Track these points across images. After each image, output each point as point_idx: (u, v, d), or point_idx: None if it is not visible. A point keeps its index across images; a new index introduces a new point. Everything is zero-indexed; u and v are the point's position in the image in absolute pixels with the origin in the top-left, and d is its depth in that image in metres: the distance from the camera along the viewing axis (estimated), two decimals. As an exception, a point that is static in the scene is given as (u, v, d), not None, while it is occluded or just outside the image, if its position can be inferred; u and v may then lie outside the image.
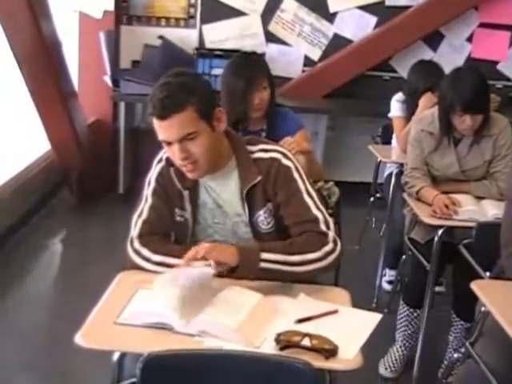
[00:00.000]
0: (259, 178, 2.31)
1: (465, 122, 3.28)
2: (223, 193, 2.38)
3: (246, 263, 2.15)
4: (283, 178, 2.32)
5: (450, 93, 3.27)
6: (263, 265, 2.16)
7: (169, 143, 2.21)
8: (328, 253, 2.24)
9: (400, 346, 3.54)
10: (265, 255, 2.17)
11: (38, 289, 4.43)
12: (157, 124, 2.19)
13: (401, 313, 3.52)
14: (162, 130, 2.18)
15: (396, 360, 3.50)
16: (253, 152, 2.36)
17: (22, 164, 5.35)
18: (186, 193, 2.36)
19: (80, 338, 1.87)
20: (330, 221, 2.33)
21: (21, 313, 3.97)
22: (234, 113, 2.92)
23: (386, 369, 3.48)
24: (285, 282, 2.23)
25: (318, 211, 2.31)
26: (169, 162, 2.35)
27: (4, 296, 4.15)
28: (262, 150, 2.36)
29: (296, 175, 2.34)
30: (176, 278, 2.05)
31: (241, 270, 2.15)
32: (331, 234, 2.28)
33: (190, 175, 2.29)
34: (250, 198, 2.33)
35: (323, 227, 2.28)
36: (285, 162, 2.34)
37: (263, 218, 2.34)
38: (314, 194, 2.36)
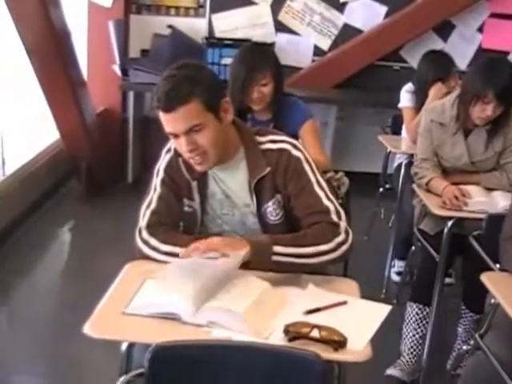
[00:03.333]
0: (268, 170, 2.30)
1: (484, 111, 3.23)
2: (231, 183, 2.37)
3: (258, 257, 2.14)
4: (293, 170, 2.30)
5: (481, 78, 3.22)
6: (275, 258, 2.16)
7: (176, 136, 2.20)
8: (340, 243, 2.23)
9: (407, 354, 3.38)
10: (277, 248, 2.16)
11: (46, 278, 4.44)
12: (163, 117, 2.18)
13: (409, 315, 3.38)
14: (168, 122, 2.17)
15: (405, 364, 3.39)
16: (262, 143, 2.34)
17: (32, 153, 5.36)
18: (194, 183, 2.36)
19: (88, 329, 1.86)
20: (342, 211, 2.32)
21: (29, 302, 3.98)
22: (233, 101, 2.91)
23: (396, 367, 3.40)
24: (295, 273, 2.22)
25: (329, 202, 2.30)
26: (177, 152, 2.34)
27: (13, 285, 4.16)
28: (271, 141, 2.35)
29: (306, 167, 2.33)
30: (186, 267, 2.05)
31: (253, 264, 2.14)
32: (343, 224, 2.27)
33: (198, 168, 2.28)
34: (259, 190, 2.32)
35: (335, 218, 2.27)
36: (295, 152, 2.33)
37: (272, 209, 2.33)
38: (324, 184, 2.34)
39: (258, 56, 3.34)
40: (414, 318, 3.37)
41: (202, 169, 2.30)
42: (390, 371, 3.38)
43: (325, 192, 2.32)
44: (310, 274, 2.25)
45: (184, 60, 2.27)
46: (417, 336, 3.37)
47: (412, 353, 3.38)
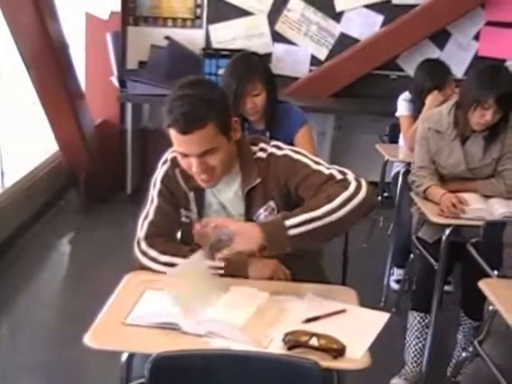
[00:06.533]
0: (258, 181, 2.31)
1: (484, 117, 3.23)
2: (227, 194, 2.38)
3: (273, 238, 2.09)
4: (285, 169, 2.30)
5: (482, 83, 3.22)
6: (292, 232, 2.08)
7: (186, 155, 2.20)
8: (357, 188, 2.17)
9: (411, 363, 3.38)
10: (289, 222, 2.09)
11: (46, 289, 4.44)
12: (176, 137, 2.16)
13: (411, 324, 3.38)
14: (183, 143, 2.17)
15: (409, 373, 3.40)
16: (255, 152, 2.36)
17: (31, 165, 5.37)
18: (191, 194, 2.37)
19: (89, 339, 1.87)
20: (345, 169, 2.27)
21: (30, 311, 4.00)
22: None
23: (400, 376, 3.40)
24: (320, 243, 2.16)
25: (329, 170, 2.26)
26: (174, 164, 2.36)
27: (13, 296, 4.16)
28: (262, 150, 2.36)
29: (296, 156, 2.33)
30: (185, 275, 2.06)
31: (270, 247, 2.09)
32: (350, 175, 2.23)
33: (204, 185, 2.30)
34: (250, 198, 2.33)
35: (340, 176, 2.23)
36: (279, 153, 2.34)
37: (263, 216, 2.33)
38: (320, 160, 2.33)
39: (246, 67, 3.32)
40: (416, 327, 3.37)
41: (208, 186, 2.32)
42: (395, 381, 3.38)
43: (323, 165, 2.29)
44: (309, 282, 2.25)
45: (192, 77, 2.27)
46: (420, 345, 3.37)
47: (416, 361, 3.38)
